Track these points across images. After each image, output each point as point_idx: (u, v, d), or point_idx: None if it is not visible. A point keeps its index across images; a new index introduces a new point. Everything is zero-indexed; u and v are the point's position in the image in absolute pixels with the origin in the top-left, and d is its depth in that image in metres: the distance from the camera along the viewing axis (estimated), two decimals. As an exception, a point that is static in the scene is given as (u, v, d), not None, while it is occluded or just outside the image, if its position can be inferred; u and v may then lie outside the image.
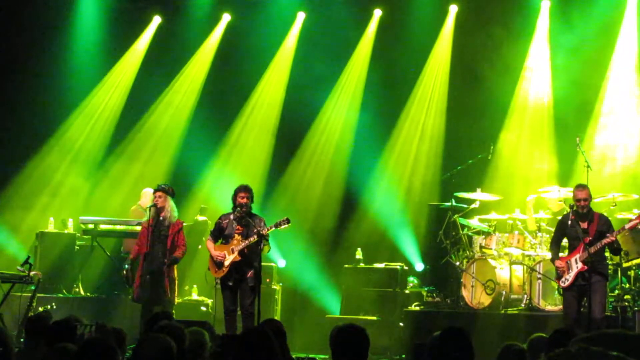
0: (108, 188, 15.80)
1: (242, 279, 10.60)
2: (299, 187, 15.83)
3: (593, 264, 10.12)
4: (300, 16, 16.20)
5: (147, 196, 14.04)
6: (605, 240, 10.11)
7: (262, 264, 10.90)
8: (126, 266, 11.51)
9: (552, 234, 11.04)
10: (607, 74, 14.48)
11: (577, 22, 14.28)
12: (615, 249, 10.34)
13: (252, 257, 10.59)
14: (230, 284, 10.66)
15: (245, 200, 10.73)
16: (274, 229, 10.49)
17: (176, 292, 11.54)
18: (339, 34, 15.71)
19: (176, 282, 11.50)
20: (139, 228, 12.09)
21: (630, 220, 10.59)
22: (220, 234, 10.88)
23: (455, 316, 12.19)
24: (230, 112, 16.26)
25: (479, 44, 14.93)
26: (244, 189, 10.83)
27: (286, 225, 10.48)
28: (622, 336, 3.11)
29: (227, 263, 10.64)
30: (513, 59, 14.82)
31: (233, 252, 10.62)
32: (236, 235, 10.69)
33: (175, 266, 11.51)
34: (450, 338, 4.96)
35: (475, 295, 12.43)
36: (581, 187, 10.51)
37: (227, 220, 10.85)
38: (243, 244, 10.56)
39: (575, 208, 10.33)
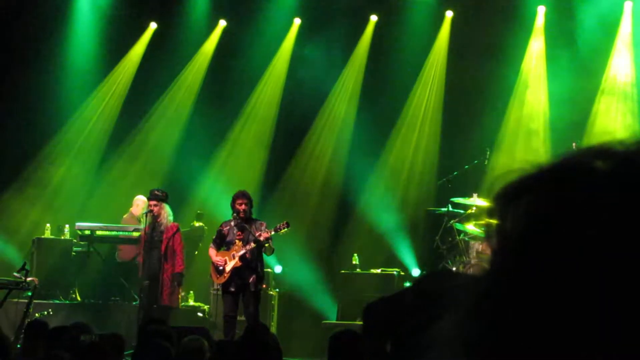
0: (104, 194, 15.76)
1: (245, 285, 10.58)
2: (295, 193, 15.81)
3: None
4: (297, 22, 16.20)
5: (139, 204, 13.99)
6: None
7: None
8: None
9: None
10: (603, 81, 14.53)
11: (574, 30, 14.32)
12: None
13: (253, 262, 10.58)
14: (232, 289, 10.64)
15: (243, 206, 10.70)
16: (273, 233, 10.47)
17: (178, 298, 11.57)
18: (335, 39, 15.71)
19: (178, 288, 11.51)
20: (135, 234, 12.10)
21: None
22: (222, 241, 10.86)
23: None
24: (227, 117, 16.23)
25: (476, 50, 14.95)
26: (242, 195, 10.81)
27: (286, 229, 10.47)
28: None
29: (228, 269, 10.62)
30: (509, 64, 14.84)
31: (234, 258, 10.60)
32: (237, 242, 10.68)
33: None
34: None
35: (471, 301, 12.43)
36: None
37: (228, 227, 10.84)
38: (243, 250, 10.56)
39: None
